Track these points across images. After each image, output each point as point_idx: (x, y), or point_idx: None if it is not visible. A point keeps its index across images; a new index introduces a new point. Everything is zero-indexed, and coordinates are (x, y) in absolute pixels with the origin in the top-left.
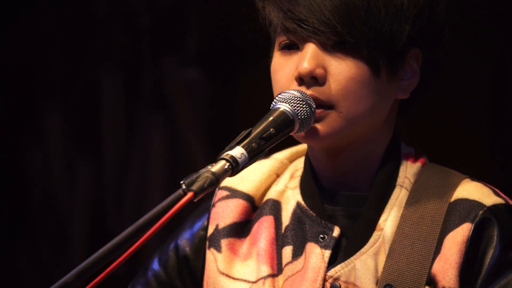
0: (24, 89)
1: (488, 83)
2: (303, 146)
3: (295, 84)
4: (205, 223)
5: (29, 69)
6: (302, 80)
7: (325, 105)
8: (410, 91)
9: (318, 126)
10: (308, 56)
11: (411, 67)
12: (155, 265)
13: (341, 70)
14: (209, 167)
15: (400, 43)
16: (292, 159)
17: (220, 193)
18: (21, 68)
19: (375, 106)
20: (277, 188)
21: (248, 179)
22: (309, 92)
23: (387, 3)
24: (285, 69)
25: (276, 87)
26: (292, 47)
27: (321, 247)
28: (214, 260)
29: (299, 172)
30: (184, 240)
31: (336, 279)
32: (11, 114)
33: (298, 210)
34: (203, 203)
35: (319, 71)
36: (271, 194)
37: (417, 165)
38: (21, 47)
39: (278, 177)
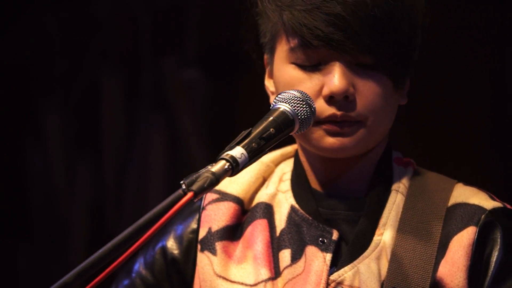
0: (24, 89)
1: (488, 84)
2: (288, 149)
3: (321, 101)
4: (194, 226)
5: (29, 69)
6: (332, 98)
7: (354, 120)
8: (406, 95)
9: (346, 140)
10: (339, 76)
11: None
12: (141, 268)
13: (369, 87)
14: (209, 167)
15: (416, 55)
16: (277, 163)
17: (209, 196)
18: (21, 68)
19: (390, 117)
20: (267, 192)
21: (237, 182)
22: (340, 112)
23: (406, 17)
24: (307, 85)
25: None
26: (313, 66)
27: (322, 250)
28: (210, 263)
29: (288, 175)
30: (171, 243)
31: (340, 283)
32: (11, 114)
33: (293, 214)
34: (187, 206)
35: (351, 90)
36: (262, 197)
37: (409, 169)
38: (21, 47)
39: (265, 181)
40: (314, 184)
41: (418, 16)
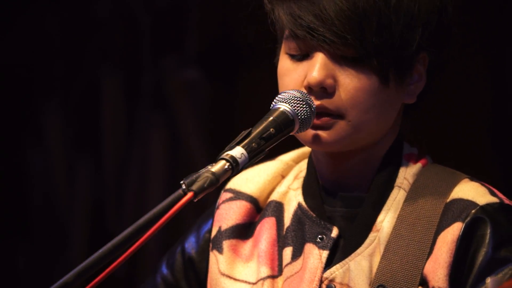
0: (24, 89)
1: (488, 83)
2: (308, 148)
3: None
4: (210, 225)
5: (29, 69)
6: (311, 89)
7: (334, 114)
8: (416, 94)
9: (326, 133)
10: (318, 66)
11: (418, 71)
12: (163, 268)
13: (350, 80)
14: (209, 167)
15: (410, 51)
16: (298, 161)
17: (224, 195)
18: (21, 68)
19: (383, 114)
20: (280, 190)
21: (253, 181)
22: (317, 102)
23: (398, 12)
24: (293, 75)
25: (282, 91)
26: (302, 57)
27: (319, 247)
28: (216, 261)
29: (303, 173)
30: (190, 243)
31: (332, 280)
32: (11, 114)
33: (299, 211)
34: (211, 205)
35: (328, 82)
36: (274, 196)
37: (418, 165)
38: (21, 47)
39: (283, 179)
40: (323, 181)
41: (415, 13)
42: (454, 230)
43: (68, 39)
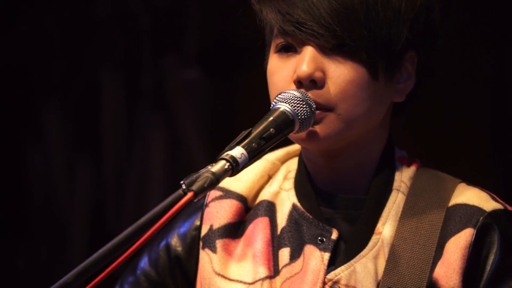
0: (24, 89)
1: (488, 83)
2: (294, 147)
3: (293, 87)
4: (198, 223)
5: (29, 69)
6: (300, 83)
7: (324, 107)
8: (406, 94)
9: (317, 128)
10: (307, 59)
11: (407, 70)
12: (145, 265)
13: (340, 73)
14: (209, 167)
15: (398, 46)
16: (283, 160)
17: (213, 193)
18: (21, 68)
19: (373, 109)
20: (271, 190)
21: (241, 180)
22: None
23: (386, 6)
24: (283, 72)
25: (273, 90)
26: (289, 49)
27: (320, 249)
28: (209, 260)
29: (292, 174)
30: (175, 240)
31: (336, 282)
32: (11, 114)
33: (294, 212)
34: (191, 203)
35: (318, 75)
36: (265, 195)
37: (412, 169)
38: (21, 47)
39: (270, 178)
40: (317, 182)
41: (402, 9)
42: (467, 236)
43: (68, 39)
